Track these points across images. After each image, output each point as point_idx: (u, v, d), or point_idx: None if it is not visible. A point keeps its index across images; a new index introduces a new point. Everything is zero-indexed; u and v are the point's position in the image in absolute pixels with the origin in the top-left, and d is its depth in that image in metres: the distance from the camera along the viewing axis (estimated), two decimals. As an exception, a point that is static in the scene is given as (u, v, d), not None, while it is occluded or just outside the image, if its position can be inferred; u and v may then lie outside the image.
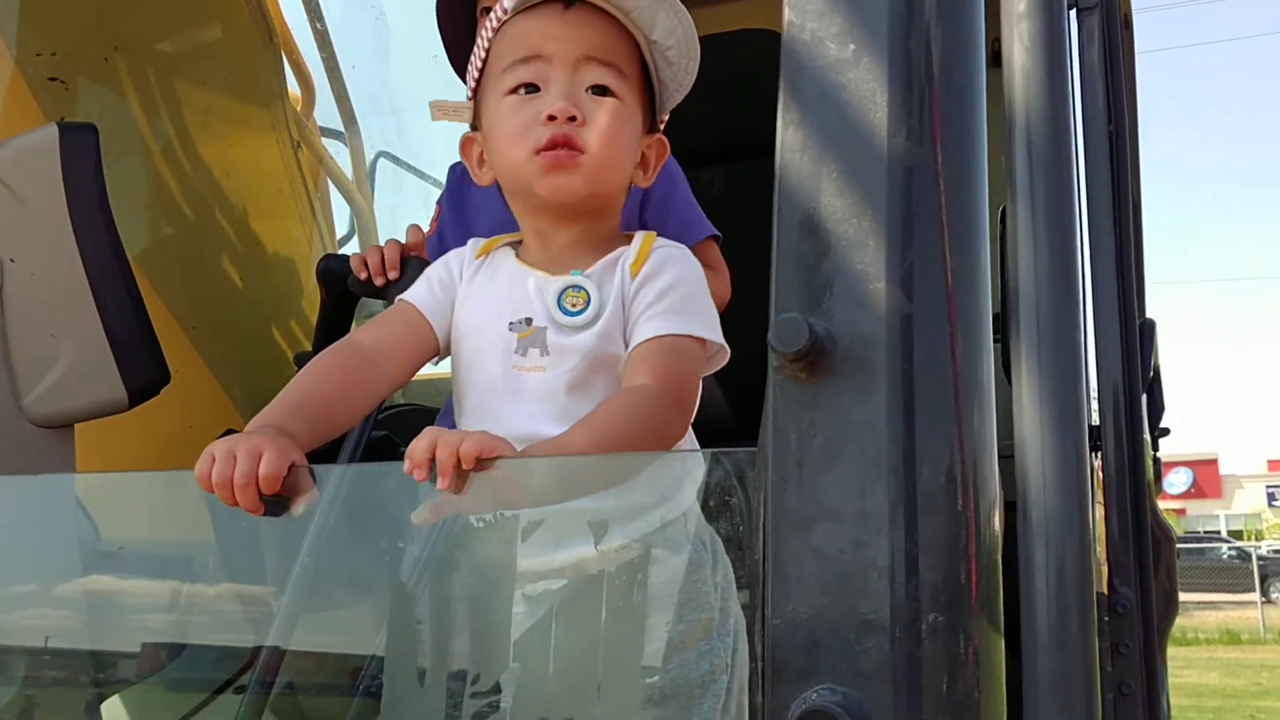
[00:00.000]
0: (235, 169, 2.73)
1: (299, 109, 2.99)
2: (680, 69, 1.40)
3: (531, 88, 1.31)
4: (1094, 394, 2.00)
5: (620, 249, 1.34)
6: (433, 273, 1.42)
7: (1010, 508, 0.89)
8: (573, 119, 1.28)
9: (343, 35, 3.06)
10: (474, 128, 1.44)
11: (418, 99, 3.36)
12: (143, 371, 1.76)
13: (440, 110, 1.48)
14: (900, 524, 0.83)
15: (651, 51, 1.37)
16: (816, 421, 0.87)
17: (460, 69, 2.01)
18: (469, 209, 2.02)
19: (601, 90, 1.31)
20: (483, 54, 1.39)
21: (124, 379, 1.74)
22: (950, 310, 0.88)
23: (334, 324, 2.03)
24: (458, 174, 2.05)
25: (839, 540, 0.85)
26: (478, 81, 1.41)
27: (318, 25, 2.97)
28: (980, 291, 0.90)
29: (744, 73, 2.49)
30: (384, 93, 3.46)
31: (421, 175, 3.80)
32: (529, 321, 1.28)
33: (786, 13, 0.99)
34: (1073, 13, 2.08)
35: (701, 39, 2.69)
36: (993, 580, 0.85)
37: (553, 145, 1.27)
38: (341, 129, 3.38)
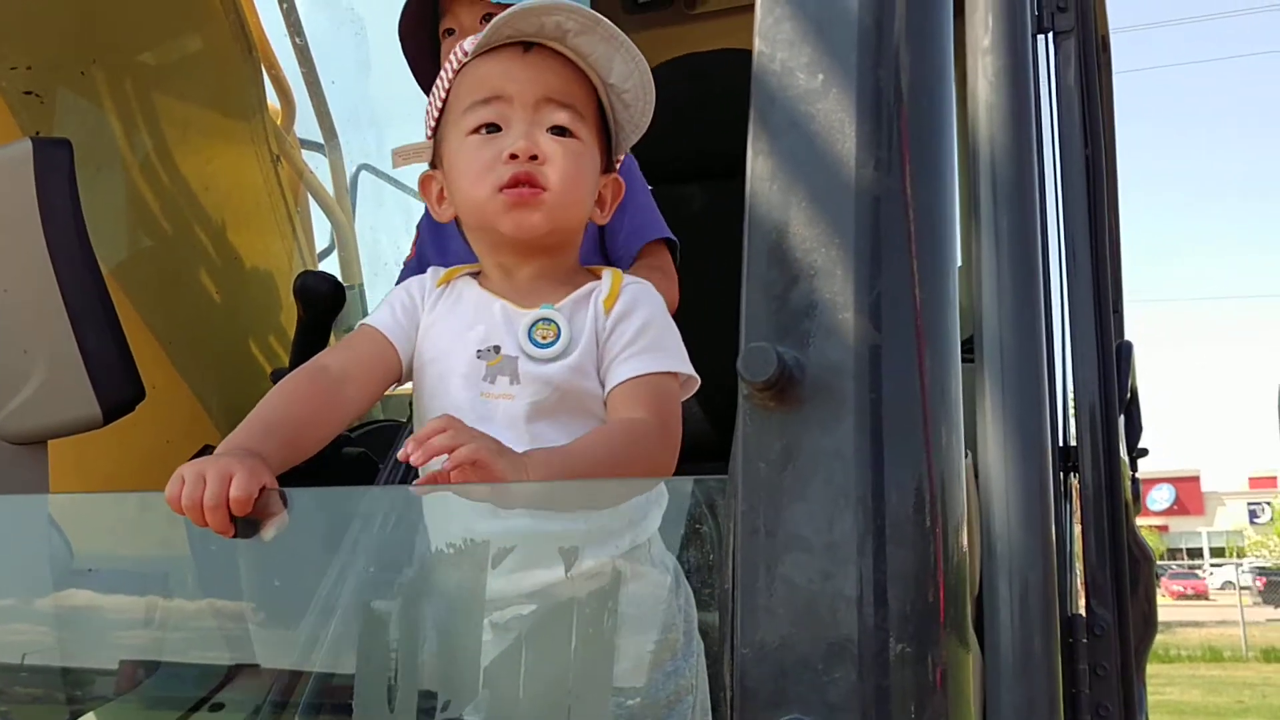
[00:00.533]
0: (214, 183, 2.72)
1: (279, 122, 2.98)
2: (636, 111, 1.44)
3: (493, 127, 1.34)
4: (1071, 415, 2.01)
5: (589, 284, 1.36)
6: (395, 298, 1.44)
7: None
8: (534, 158, 1.31)
9: (323, 49, 3.06)
10: (433, 166, 1.46)
11: (398, 113, 3.36)
12: (117, 389, 1.75)
13: (401, 156, 1.51)
14: (869, 553, 0.84)
15: (609, 94, 1.41)
16: (786, 450, 0.87)
17: (422, 80, 2.02)
18: (447, 229, 2.02)
19: (561, 130, 1.35)
20: (443, 95, 1.42)
21: (98, 396, 1.73)
22: (919, 340, 0.89)
23: (311, 341, 2.04)
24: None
25: (808, 570, 0.85)
26: (438, 121, 1.43)
27: (297, 40, 2.97)
28: (949, 321, 0.91)
29: (723, 92, 2.51)
30: (364, 106, 3.47)
31: (403, 188, 3.80)
32: (497, 350, 1.29)
33: (757, 42, 0.99)
34: (1049, 36, 2.10)
35: (681, 60, 2.71)
36: (961, 608, 0.85)
37: (515, 183, 1.30)
38: (321, 142, 3.38)
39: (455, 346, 1.33)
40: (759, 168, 0.95)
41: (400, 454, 1.07)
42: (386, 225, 3.63)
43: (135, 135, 2.57)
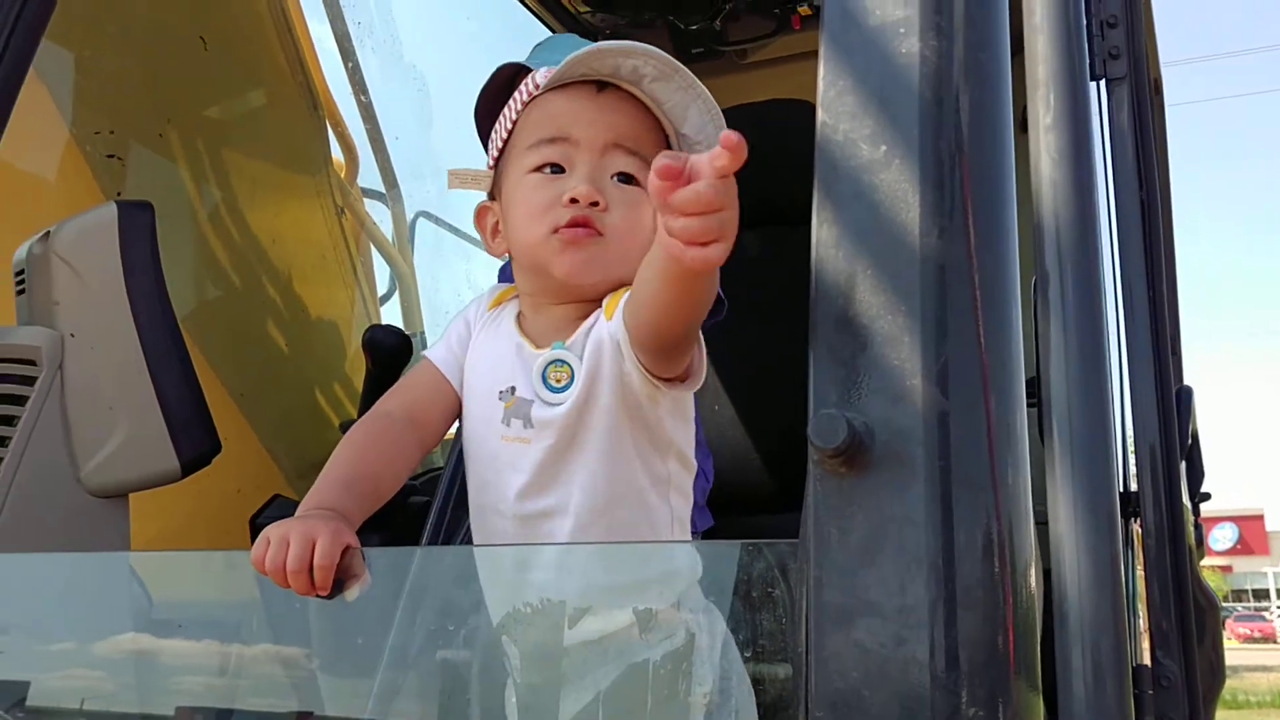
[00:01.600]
0: (281, 235, 2.80)
1: (343, 176, 3.07)
2: None
3: (556, 168, 1.31)
4: (1131, 461, 1.99)
5: (594, 312, 1.31)
6: (453, 329, 1.41)
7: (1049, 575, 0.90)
8: (595, 204, 1.28)
9: (386, 104, 3.15)
10: (491, 196, 1.42)
11: (457, 162, 3.44)
12: (195, 443, 1.81)
13: (458, 179, 1.46)
14: (940, 618, 0.85)
15: (680, 143, 1.35)
16: (856, 516, 0.89)
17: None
18: None
19: (626, 178, 1.31)
20: (509, 125, 1.38)
21: (177, 451, 1.79)
22: (986, 404, 0.90)
23: (378, 393, 2.08)
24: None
25: (880, 635, 0.86)
26: (501, 152, 1.39)
27: (362, 97, 3.06)
28: (1015, 385, 0.92)
29: (779, 142, 2.54)
30: (425, 156, 3.55)
31: (460, 234, 3.87)
32: (513, 390, 1.28)
33: (820, 114, 1.02)
34: (1101, 83, 2.10)
35: (737, 109, 2.74)
36: (1032, 671, 0.86)
37: (572, 224, 1.27)
38: (383, 191, 3.45)
39: (482, 383, 1.32)
40: (824, 236, 0.97)
41: None
42: (446, 272, 3.70)
43: (206, 191, 2.66)
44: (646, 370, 1.21)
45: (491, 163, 1.41)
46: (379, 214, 3.41)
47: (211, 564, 1.50)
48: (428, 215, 3.69)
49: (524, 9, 3.26)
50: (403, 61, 3.22)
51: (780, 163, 2.44)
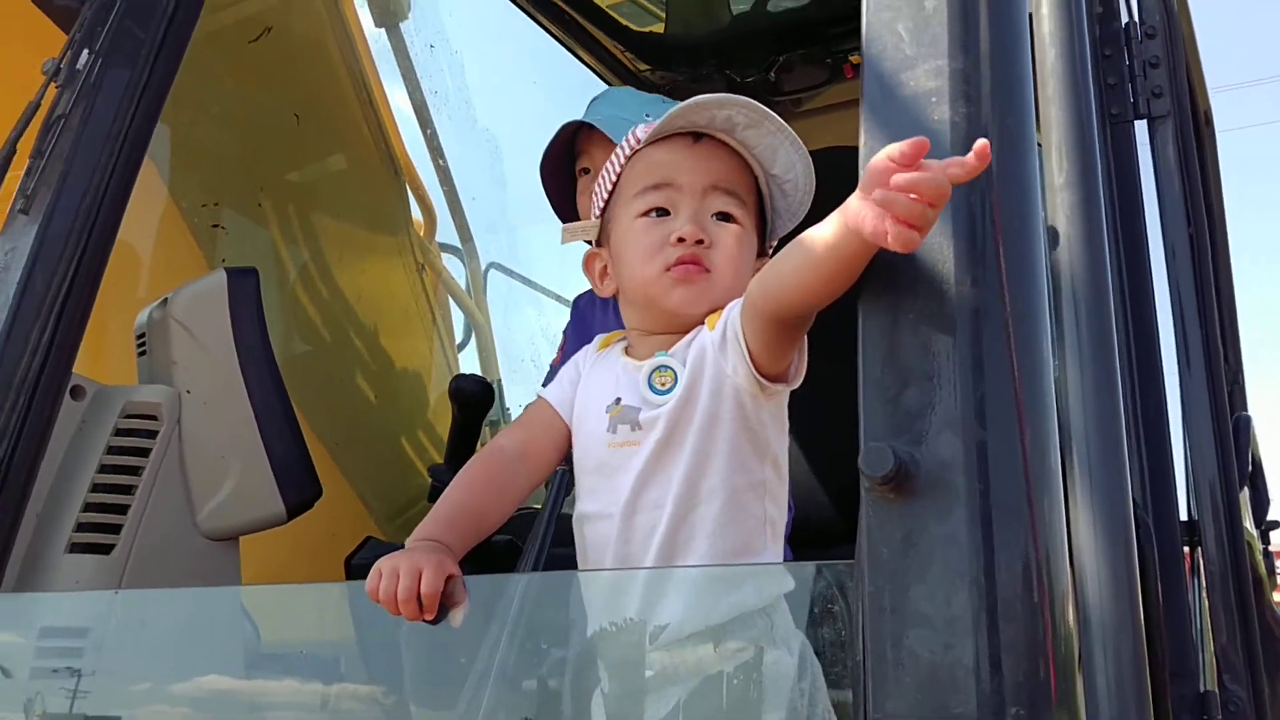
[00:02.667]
0: (367, 293, 2.98)
1: (422, 234, 3.25)
2: (795, 200, 1.49)
3: (662, 211, 1.43)
4: (1191, 490, 2.00)
5: (695, 329, 1.42)
6: (565, 371, 1.53)
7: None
8: (700, 241, 1.40)
9: (461, 166, 3.34)
10: (597, 244, 1.54)
11: (527, 216, 3.61)
12: (300, 489, 1.96)
13: (569, 233, 1.61)
14: (984, 627, 0.95)
15: (769, 184, 1.48)
16: (906, 537, 0.99)
17: (562, 214, 2.21)
18: (587, 338, 2.18)
19: (725, 217, 1.43)
20: (613, 178, 1.50)
21: (283, 496, 1.95)
22: (1021, 434, 1.00)
23: (465, 437, 2.22)
24: (581, 305, 2.23)
25: (930, 643, 0.96)
26: (606, 203, 1.52)
27: (439, 160, 3.24)
28: (1047, 416, 1.02)
29: (835, 187, 2.64)
30: (498, 212, 3.73)
31: (531, 284, 4.04)
32: (618, 401, 1.38)
33: (862, 174, 1.14)
34: (1143, 123, 2.15)
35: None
36: (1070, 677, 0.95)
37: (680, 262, 1.39)
38: (458, 244, 3.63)
39: (592, 405, 1.42)
40: (869, 286, 1.09)
41: None
42: (518, 319, 3.86)
43: (297, 254, 2.85)
44: (754, 364, 1.30)
45: (597, 214, 1.54)
46: (454, 268, 3.59)
47: (326, 596, 1.63)
48: (499, 267, 3.86)
49: (586, 69, 3.43)
50: (476, 125, 3.41)
51: (835, 208, 2.55)
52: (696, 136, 1.45)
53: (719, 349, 1.34)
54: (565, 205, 2.21)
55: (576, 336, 2.19)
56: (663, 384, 1.37)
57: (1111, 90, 1.83)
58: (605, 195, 1.52)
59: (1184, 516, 1.98)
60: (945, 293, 1.04)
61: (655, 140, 1.47)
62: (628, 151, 1.49)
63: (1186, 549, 1.94)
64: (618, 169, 1.50)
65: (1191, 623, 1.79)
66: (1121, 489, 0.94)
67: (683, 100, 1.45)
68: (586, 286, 2.20)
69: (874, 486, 1.00)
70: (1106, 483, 0.94)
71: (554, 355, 2.25)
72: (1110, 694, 0.89)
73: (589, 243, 1.58)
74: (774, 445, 1.38)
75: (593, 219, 1.55)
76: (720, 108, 1.41)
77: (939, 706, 0.95)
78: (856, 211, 1.05)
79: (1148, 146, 2.09)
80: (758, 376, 1.31)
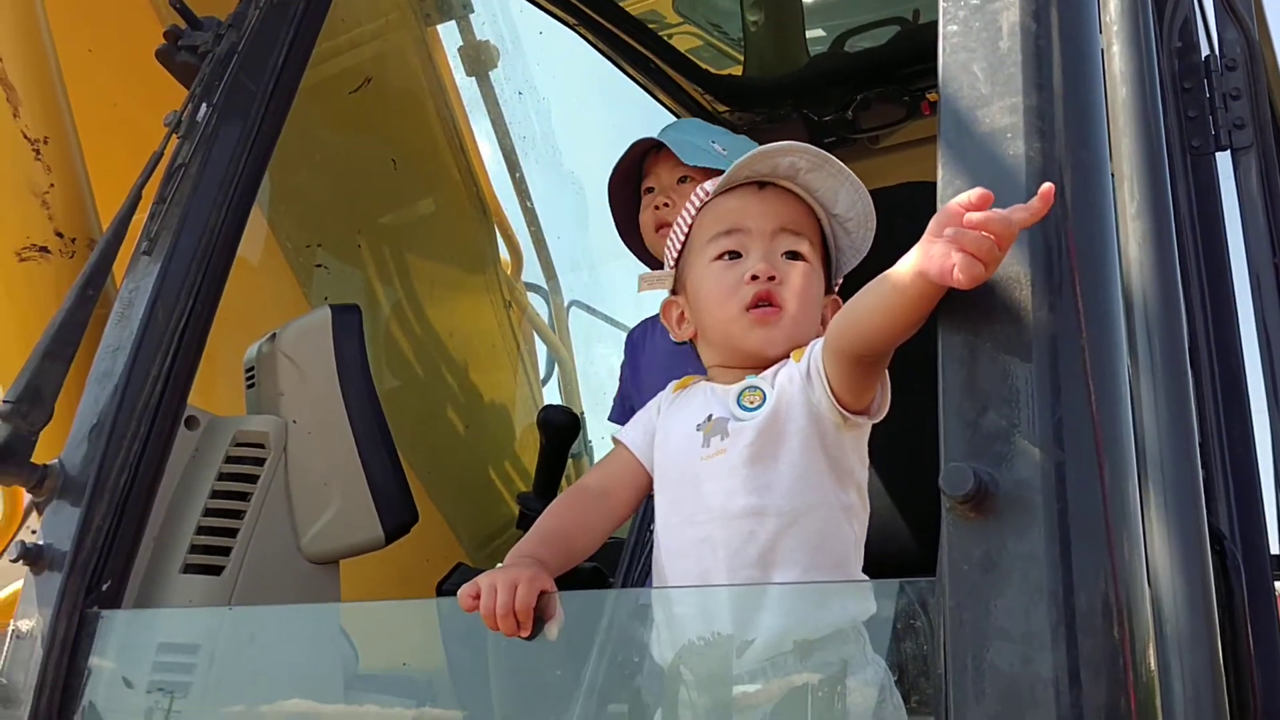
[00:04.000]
0: (457, 329, 3.09)
1: (509, 272, 3.36)
2: (858, 237, 1.57)
3: (734, 254, 1.51)
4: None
5: (782, 360, 1.49)
6: (642, 414, 1.60)
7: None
8: (772, 278, 1.47)
9: (547, 206, 3.45)
10: (673, 292, 1.62)
11: (607, 254, 3.71)
12: (397, 515, 2.05)
13: (646, 282, 1.69)
14: (1061, 641, 0.98)
15: (832, 224, 1.56)
16: (985, 554, 1.03)
17: (624, 230, 2.29)
18: (642, 370, 2.25)
19: (794, 255, 1.51)
20: (685, 229, 1.59)
21: (382, 521, 2.03)
22: (1098, 458, 1.04)
23: (552, 465, 2.29)
24: (633, 341, 2.31)
25: (1009, 656, 0.99)
26: (680, 253, 1.60)
27: (526, 202, 3.36)
28: (1124, 437, 1.05)
29: (913, 223, 2.67)
30: (581, 251, 3.84)
31: (610, 321, 4.14)
32: (710, 418, 1.44)
33: (940, 206, 1.19)
34: (1226, 154, 2.15)
35: (872, 193, 2.90)
36: (1148, 691, 0.97)
37: (757, 302, 1.46)
38: (542, 282, 3.74)
39: (677, 432, 1.49)
40: (949, 314, 1.13)
41: None
42: (600, 352, 3.96)
43: (392, 292, 2.97)
44: (835, 398, 1.36)
45: (671, 264, 1.62)
46: (538, 304, 3.69)
47: (428, 613, 1.70)
48: (580, 304, 3.96)
49: (667, 112, 3.53)
50: (561, 168, 3.52)
51: (913, 243, 2.58)
52: (761, 184, 1.54)
53: (805, 379, 1.40)
54: (628, 222, 2.28)
55: (632, 370, 2.25)
56: (751, 401, 1.43)
57: (1192, 122, 1.85)
58: (679, 246, 1.60)
59: (1275, 549, 1.96)
60: (1023, 319, 1.09)
61: (723, 191, 1.55)
62: (698, 204, 1.57)
63: (1279, 583, 1.92)
64: (689, 220, 1.58)
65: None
66: (1196, 508, 0.96)
67: (762, 139, 1.52)
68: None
69: (954, 505, 1.04)
70: (1181, 503, 0.97)
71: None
72: (1187, 710, 0.92)
73: (672, 292, 1.64)
74: (856, 473, 1.44)
75: (667, 268, 1.63)
76: (783, 155, 1.50)
77: (1018, 717, 0.98)
78: (925, 252, 1.12)
79: (1231, 178, 2.10)
80: (840, 409, 1.37)
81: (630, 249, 2.32)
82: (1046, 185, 1.05)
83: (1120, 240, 1.06)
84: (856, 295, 1.28)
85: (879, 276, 1.23)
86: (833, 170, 1.51)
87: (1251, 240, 2.11)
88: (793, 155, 1.50)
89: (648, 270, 2.28)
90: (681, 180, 2.16)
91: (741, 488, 1.37)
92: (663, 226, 2.15)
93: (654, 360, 2.18)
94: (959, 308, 1.13)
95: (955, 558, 1.05)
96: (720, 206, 1.55)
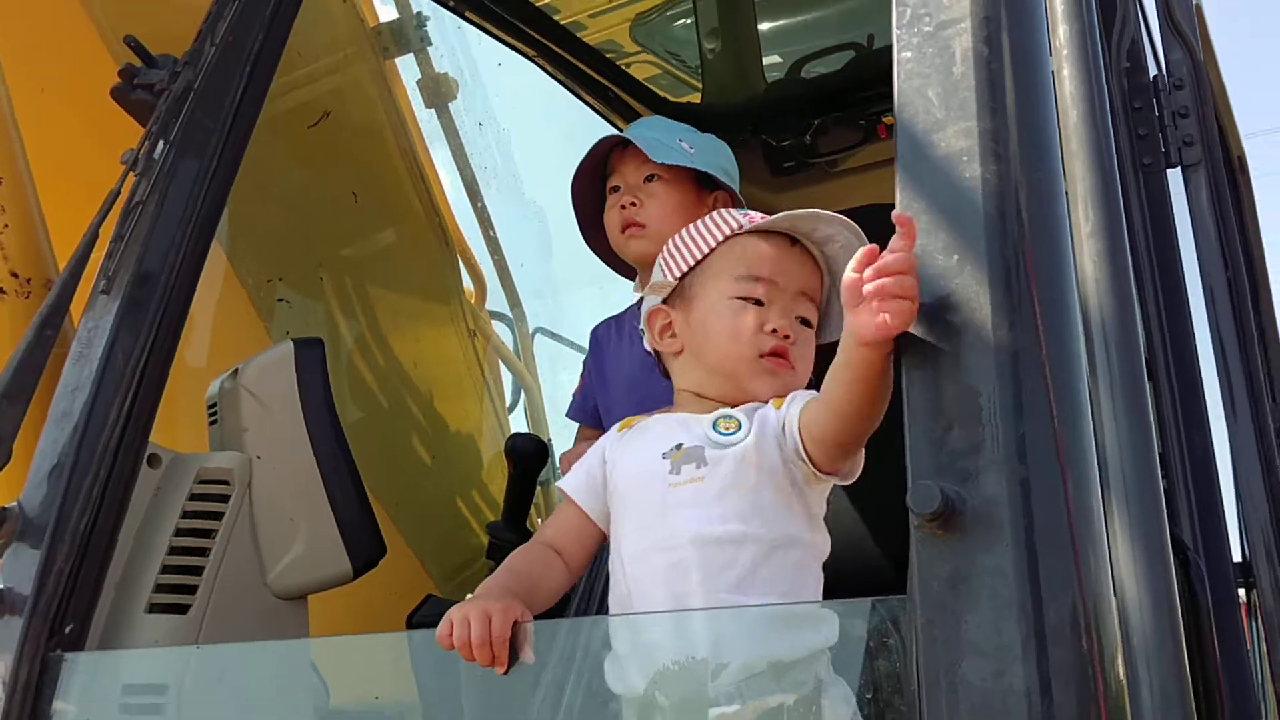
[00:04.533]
0: (421, 359, 3.08)
1: (473, 302, 3.36)
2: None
3: (758, 301, 1.52)
4: (1244, 533, 1.99)
5: (753, 404, 1.50)
6: (586, 462, 1.57)
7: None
8: (787, 337, 1.51)
9: (510, 235, 3.46)
10: (665, 302, 1.61)
11: (573, 282, 3.73)
12: (365, 548, 2.04)
13: (651, 289, 1.65)
14: (1032, 654, 0.99)
15: (831, 293, 1.59)
16: (955, 571, 1.04)
17: (587, 234, 2.28)
18: (607, 368, 2.25)
19: (805, 322, 1.55)
20: (704, 250, 1.56)
21: (350, 555, 2.02)
22: (1062, 472, 1.05)
23: (520, 492, 2.29)
24: (597, 337, 2.30)
25: (981, 670, 1.01)
26: (690, 269, 1.58)
27: (490, 233, 3.37)
28: (1086, 454, 1.07)
29: (879, 243, 2.71)
30: (545, 279, 3.85)
31: (575, 346, 4.14)
32: (679, 446, 1.44)
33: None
34: (1177, 171, 2.19)
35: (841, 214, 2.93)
36: (1120, 703, 0.99)
37: (774, 354, 1.50)
38: (506, 310, 3.74)
39: (640, 461, 1.48)
40: (910, 335, 1.15)
41: None
42: (567, 382, 3.96)
43: (355, 324, 2.96)
44: (811, 462, 1.39)
45: (676, 276, 1.60)
46: (503, 333, 3.69)
47: (402, 644, 1.68)
48: (544, 331, 3.96)
49: (628, 139, 3.55)
50: (523, 197, 3.54)
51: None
52: (794, 240, 1.56)
53: (780, 433, 1.42)
54: (591, 220, 2.27)
55: (596, 367, 2.24)
56: (727, 429, 1.45)
57: (1143, 140, 1.89)
58: (689, 262, 1.59)
59: (1237, 558, 1.99)
60: (984, 338, 1.11)
61: (755, 231, 1.56)
62: (727, 231, 1.57)
63: (1242, 590, 1.95)
64: (709, 243, 1.58)
65: (1250, 663, 1.79)
66: (1158, 518, 0.98)
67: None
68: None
69: (923, 523, 1.05)
70: (1144, 514, 0.99)
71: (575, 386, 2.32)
72: (1156, 717, 0.93)
73: (663, 300, 1.63)
74: (819, 514, 1.47)
75: (668, 279, 1.61)
76: (829, 225, 1.54)
77: (992, 731, 0.99)
78: (855, 325, 1.17)
79: (1182, 194, 2.14)
80: (813, 470, 1.40)
81: (591, 248, 2.30)
82: (899, 214, 1.15)
83: (1076, 258, 1.08)
84: (821, 391, 1.33)
85: (829, 371, 1.29)
86: (857, 245, 1.52)
87: (1204, 253, 2.16)
88: (835, 228, 1.54)
89: (613, 271, 2.31)
90: (649, 179, 2.14)
91: (722, 515, 1.38)
92: (630, 226, 2.13)
93: (621, 368, 2.16)
94: (921, 327, 1.15)
95: (925, 575, 1.06)
96: (756, 249, 1.56)
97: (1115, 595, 0.99)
